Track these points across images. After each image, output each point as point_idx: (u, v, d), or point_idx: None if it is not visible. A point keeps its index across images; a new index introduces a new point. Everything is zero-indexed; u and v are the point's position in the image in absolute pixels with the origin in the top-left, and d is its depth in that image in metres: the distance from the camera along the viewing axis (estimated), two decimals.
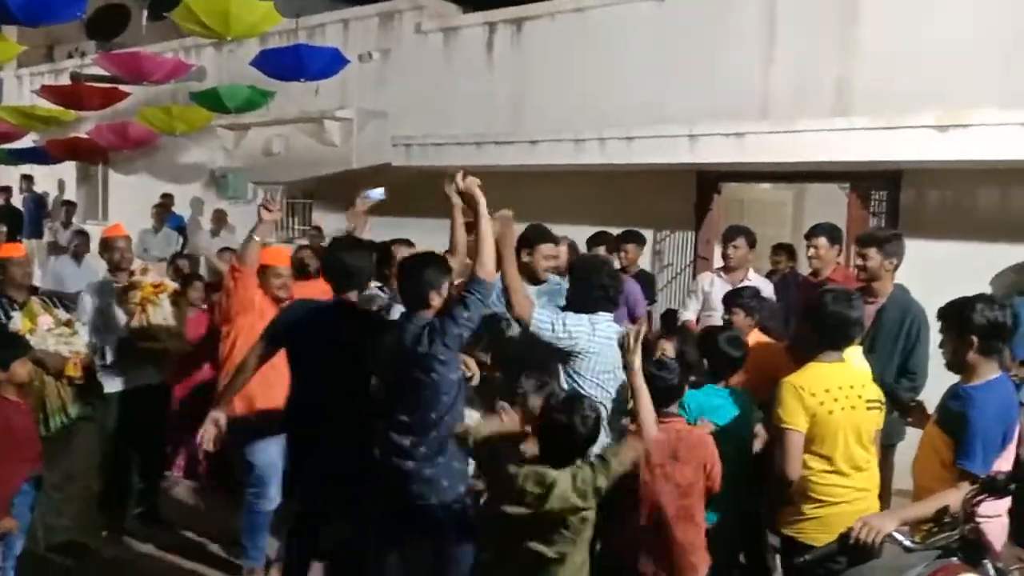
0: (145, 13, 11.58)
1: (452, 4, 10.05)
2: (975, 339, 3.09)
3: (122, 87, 10.90)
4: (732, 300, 4.61)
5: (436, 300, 3.49)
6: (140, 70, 9.63)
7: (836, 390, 3.26)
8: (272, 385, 4.17)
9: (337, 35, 10.51)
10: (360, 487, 3.71)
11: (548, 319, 3.74)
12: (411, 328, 3.47)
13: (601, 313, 3.88)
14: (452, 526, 3.49)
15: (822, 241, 5.03)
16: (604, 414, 3.59)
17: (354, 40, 10.32)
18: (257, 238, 4.25)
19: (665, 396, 3.51)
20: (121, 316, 4.91)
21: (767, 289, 5.54)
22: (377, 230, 6.78)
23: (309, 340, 3.77)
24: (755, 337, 4.39)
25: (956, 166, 6.26)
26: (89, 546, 4.84)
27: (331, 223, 9.88)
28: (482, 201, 3.58)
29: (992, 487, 2.74)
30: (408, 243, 5.21)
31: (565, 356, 3.78)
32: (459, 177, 3.67)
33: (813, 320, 3.42)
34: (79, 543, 4.80)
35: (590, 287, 3.90)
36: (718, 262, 6.34)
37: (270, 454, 4.34)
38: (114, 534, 5.00)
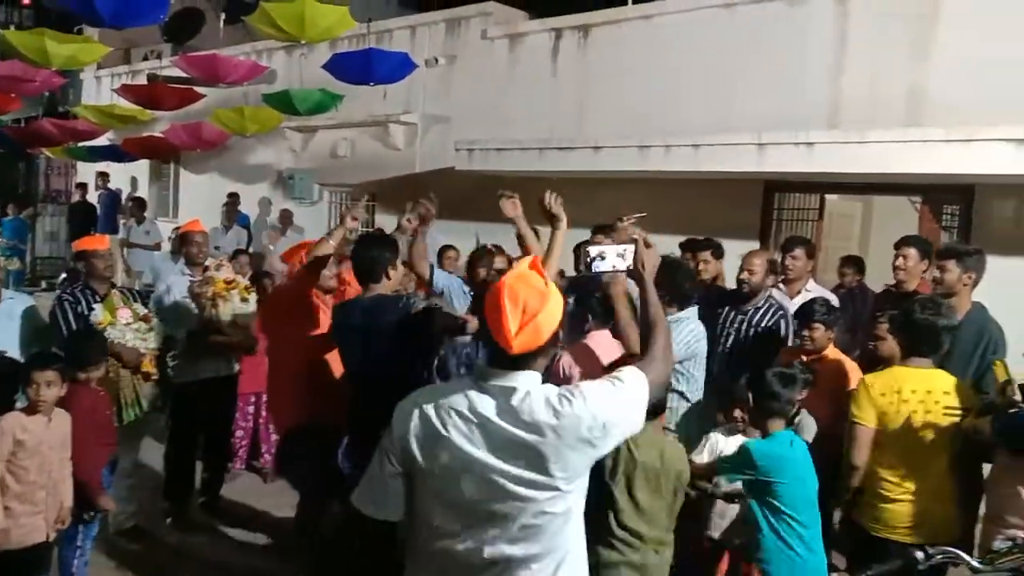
0: (223, 17, 11.87)
1: (518, 11, 10.11)
2: None
3: (197, 88, 11.20)
4: (810, 315, 4.21)
5: None
6: (217, 72, 9.85)
7: (909, 393, 3.37)
8: (323, 391, 4.19)
9: (404, 40, 10.65)
10: None
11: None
12: None
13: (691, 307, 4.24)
14: None
15: (912, 252, 4.71)
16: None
17: (421, 46, 10.45)
18: (332, 242, 4.32)
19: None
20: (193, 308, 5.04)
21: (831, 300, 5.40)
22: (440, 234, 6.88)
23: (351, 338, 3.81)
24: (834, 354, 4.22)
25: None
26: (154, 533, 4.99)
27: (393, 225, 9.95)
28: (563, 220, 3.77)
29: None
30: (500, 250, 5.19)
31: None
32: (549, 197, 3.78)
33: (903, 327, 3.53)
34: (145, 529, 4.97)
35: (679, 285, 4.17)
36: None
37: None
38: (177, 522, 5.14)
